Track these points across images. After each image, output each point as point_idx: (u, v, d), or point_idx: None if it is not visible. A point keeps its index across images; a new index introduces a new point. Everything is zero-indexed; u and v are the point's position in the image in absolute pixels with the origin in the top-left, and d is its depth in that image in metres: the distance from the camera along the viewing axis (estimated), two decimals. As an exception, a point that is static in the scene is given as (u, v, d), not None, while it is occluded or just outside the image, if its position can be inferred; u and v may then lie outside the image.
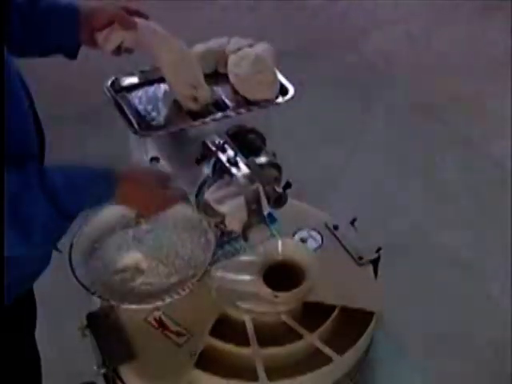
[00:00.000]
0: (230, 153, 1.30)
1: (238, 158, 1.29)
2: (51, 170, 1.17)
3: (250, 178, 1.26)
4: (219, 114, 1.38)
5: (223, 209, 1.28)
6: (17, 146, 1.16)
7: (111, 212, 1.48)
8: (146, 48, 1.36)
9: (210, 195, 1.30)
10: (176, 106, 1.39)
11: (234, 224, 1.31)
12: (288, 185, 1.37)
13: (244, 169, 1.27)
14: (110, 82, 1.45)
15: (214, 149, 1.31)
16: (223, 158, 1.29)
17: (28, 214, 1.12)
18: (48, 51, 1.39)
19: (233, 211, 1.28)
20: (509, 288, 2.56)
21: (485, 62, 3.83)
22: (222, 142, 1.32)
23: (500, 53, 3.87)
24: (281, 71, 1.46)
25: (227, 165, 1.28)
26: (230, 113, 1.38)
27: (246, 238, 1.31)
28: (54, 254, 1.48)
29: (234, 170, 1.27)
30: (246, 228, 1.29)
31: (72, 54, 1.39)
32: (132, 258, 1.43)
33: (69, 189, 1.16)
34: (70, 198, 1.16)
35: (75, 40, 1.36)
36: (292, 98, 1.43)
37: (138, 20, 1.35)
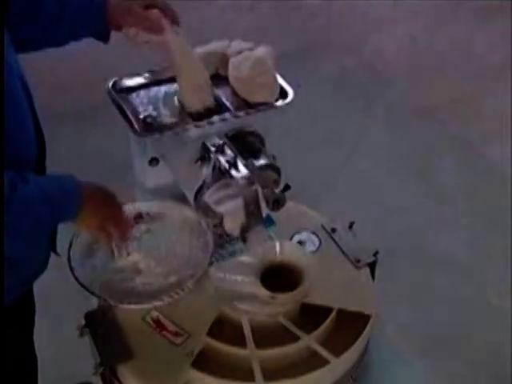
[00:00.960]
0: (230, 154, 1.31)
1: (238, 160, 1.30)
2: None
3: (248, 180, 1.27)
4: (219, 117, 1.39)
5: (222, 210, 1.29)
6: (13, 147, 1.16)
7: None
8: (167, 54, 1.39)
9: (209, 196, 1.31)
10: (177, 108, 1.40)
11: (232, 225, 1.32)
12: (287, 187, 1.37)
13: (243, 170, 1.28)
14: (111, 83, 1.46)
15: (213, 150, 1.31)
16: (222, 159, 1.30)
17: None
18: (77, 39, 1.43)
19: (231, 212, 1.29)
20: (507, 291, 2.57)
21: (484, 63, 3.83)
22: (221, 143, 1.33)
23: (500, 55, 3.87)
24: (280, 72, 1.47)
25: (226, 166, 1.29)
26: (229, 115, 1.39)
27: (244, 240, 1.32)
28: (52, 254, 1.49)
29: (233, 171, 1.28)
30: (245, 229, 1.30)
31: (104, 39, 1.43)
32: (130, 258, 1.43)
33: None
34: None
35: (105, 32, 1.40)
36: (291, 101, 1.44)
37: (167, 28, 1.36)
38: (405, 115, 3.49)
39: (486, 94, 3.61)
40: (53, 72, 3.36)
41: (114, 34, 1.41)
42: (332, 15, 4.23)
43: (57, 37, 1.39)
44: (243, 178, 1.27)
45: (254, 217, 1.29)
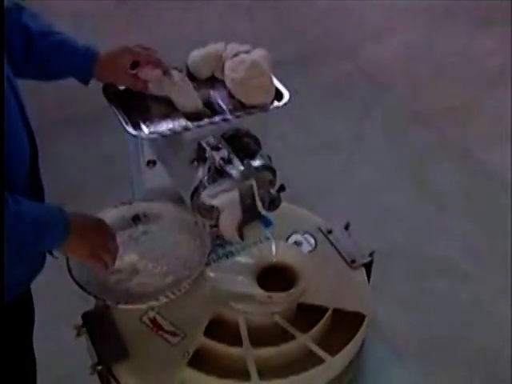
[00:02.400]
0: (225, 152, 1.32)
1: (232, 157, 1.31)
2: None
3: (244, 174, 1.28)
4: (216, 118, 1.40)
5: (217, 203, 1.30)
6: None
7: (108, 213, 1.50)
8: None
9: (204, 195, 1.32)
10: (173, 110, 1.42)
11: (228, 222, 1.32)
12: (282, 188, 1.39)
13: (238, 165, 1.29)
14: (106, 85, 1.48)
15: (209, 151, 1.33)
16: (217, 157, 1.31)
17: None
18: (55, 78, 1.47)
19: (227, 205, 1.29)
20: (504, 294, 2.57)
21: (482, 71, 3.85)
22: (217, 144, 1.34)
23: (498, 62, 3.89)
24: (278, 78, 1.49)
25: (221, 163, 1.30)
26: (225, 117, 1.41)
27: (241, 236, 1.33)
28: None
29: (228, 167, 1.29)
30: (241, 225, 1.31)
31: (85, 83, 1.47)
32: (128, 258, 1.44)
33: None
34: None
35: (88, 76, 1.45)
36: (287, 103, 1.45)
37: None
38: (403, 121, 3.50)
39: (485, 99, 3.63)
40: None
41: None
42: (330, 22, 4.25)
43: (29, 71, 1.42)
44: (238, 172, 1.28)
45: (249, 211, 1.30)
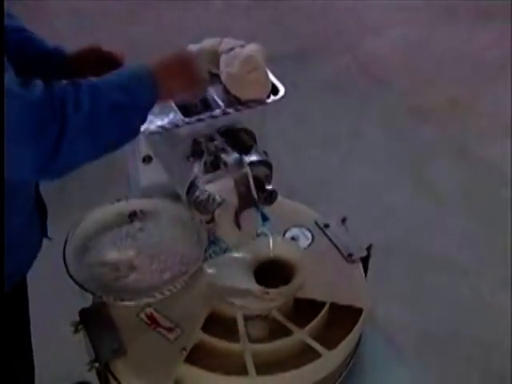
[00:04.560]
0: (221, 150, 1.32)
1: (227, 147, 1.32)
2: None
3: (238, 162, 1.28)
4: (212, 112, 1.40)
5: (212, 188, 1.30)
6: None
7: (105, 210, 1.50)
8: None
9: (200, 187, 1.32)
10: (169, 105, 1.41)
11: (224, 210, 1.32)
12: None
13: (233, 153, 1.29)
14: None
15: (204, 146, 1.33)
16: (212, 146, 1.31)
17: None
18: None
19: (222, 191, 1.30)
20: (504, 290, 2.57)
21: (482, 66, 3.85)
22: (212, 139, 1.34)
23: (497, 57, 3.88)
24: (276, 74, 1.48)
25: (216, 152, 1.30)
26: (221, 111, 1.41)
27: (238, 225, 1.33)
28: (48, 251, 1.50)
29: (222, 155, 1.29)
30: (237, 212, 1.31)
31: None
32: (125, 254, 1.44)
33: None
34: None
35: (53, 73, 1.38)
36: (283, 97, 1.45)
37: None
38: (402, 117, 3.50)
39: (484, 94, 3.62)
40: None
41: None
42: (329, 18, 4.25)
43: None
44: (233, 159, 1.29)
45: (245, 199, 1.30)
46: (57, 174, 1.15)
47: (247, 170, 1.28)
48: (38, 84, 1.08)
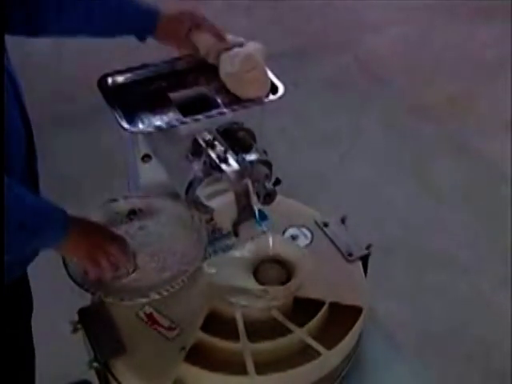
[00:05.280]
0: (220, 149, 1.31)
1: (228, 155, 1.31)
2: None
3: (239, 174, 1.27)
4: (212, 112, 1.40)
5: (213, 204, 1.30)
6: None
7: (104, 209, 1.50)
8: None
9: (200, 191, 1.32)
10: (167, 104, 1.41)
11: (223, 220, 1.32)
12: (277, 181, 1.38)
13: (234, 165, 1.29)
14: (101, 79, 1.47)
15: (204, 145, 1.32)
16: (213, 154, 1.31)
17: None
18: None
19: (223, 206, 1.29)
20: (504, 288, 2.57)
21: (481, 64, 3.84)
22: (212, 138, 1.33)
23: (496, 55, 3.88)
24: (276, 72, 1.48)
25: (217, 161, 1.30)
26: (219, 111, 1.40)
27: (236, 234, 1.33)
28: (47, 250, 1.50)
29: (223, 166, 1.29)
30: (236, 223, 1.31)
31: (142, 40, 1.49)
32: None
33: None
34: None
35: (147, 34, 1.46)
36: (282, 96, 1.44)
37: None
38: (402, 114, 3.50)
39: (484, 92, 3.62)
40: (53, 71, 3.39)
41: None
42: (329, 16, 4.25)
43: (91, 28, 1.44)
44: (234, 171, 1.28)
45: (245, 210, 1.30)
46: None
47: (248, 182, 1.27)
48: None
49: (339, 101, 3.57)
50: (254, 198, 1.30)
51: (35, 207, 1.22)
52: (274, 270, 1.41)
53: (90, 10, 1.41)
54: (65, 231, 1.25)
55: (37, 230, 1.22)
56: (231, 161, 1.30)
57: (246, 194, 1.29)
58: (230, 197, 1.29)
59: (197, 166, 1.33)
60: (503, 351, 2.33)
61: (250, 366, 1.29)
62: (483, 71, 3.77)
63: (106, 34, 1.47)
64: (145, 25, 1.45)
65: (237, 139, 1.38)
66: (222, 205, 1.30)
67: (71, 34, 1.48)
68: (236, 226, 1.32)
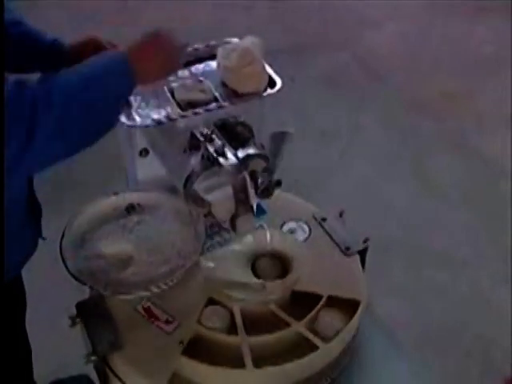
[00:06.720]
0: (218, 143, 1.32)
1: (226, 149, 1.31)
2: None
3: (237, 168, 1.28)
4: (211, 105, 1.40)
5: (211, 198, 1.30)
6: None
7: (103, 203, 1.50)
8: None
9: (198, 185, 1.32)
10: (165, 98, 1.41)
11: (221, 214, 1.32)
12: (278, 183, 1.38)
13: (231, 158, 1.29)
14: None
15: (201, 139, 1.32)
16: (211, 148, 1.31)
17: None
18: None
19: (220, 201, 1.30)
20: (504, 286, 2.57)
21: (480, 60, 3.85)
22: (209, 132, 1.33)
23: (495, 51, 3.88)
24: (275, 68, 1.48)
25: (215, 155, 1.30)
26: (217, 105, 1.41)
27: (233, 227, 1.33)
28: (43, 244, 1.50)
29: (221, 160, 1.29)
30: (234, 217, 1.31)
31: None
32: (122, 248, 1.44)
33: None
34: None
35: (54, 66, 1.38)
36: (280, 90, 1.44)
37: None
38: (400, 110, 3.50)
39: (483, 88, 3.62)
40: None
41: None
42: (327, 13, 4.25)
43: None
44: (231, 165, 1.28)
45: (242, 204, 1.30)
46: (26, 172, 1.13)
47: (246, 176, 1.27)
48: (10, 81, 1.04)
49: (338, 97, 3.57)
50: (251, 192, 1.30)
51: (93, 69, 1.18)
52: (271, 263, 1.42)
53: None
54: (130, 77, 1.20)
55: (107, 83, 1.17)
56: (229, 155, 1.30)
57: (244, 188, 1.29)
58: (227, 191, 1.29)
59: (195, 160, 1.33)
60: (503, 349, 2.33)
61: (248, 360, 1.29)
62: (482, 68, 3.78)
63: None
64: (51, 55, 1.42)
65: (234, 133, 1.37)
66: (220, 199, 1.30)
67: None
68: (234, 219, 1.32)
